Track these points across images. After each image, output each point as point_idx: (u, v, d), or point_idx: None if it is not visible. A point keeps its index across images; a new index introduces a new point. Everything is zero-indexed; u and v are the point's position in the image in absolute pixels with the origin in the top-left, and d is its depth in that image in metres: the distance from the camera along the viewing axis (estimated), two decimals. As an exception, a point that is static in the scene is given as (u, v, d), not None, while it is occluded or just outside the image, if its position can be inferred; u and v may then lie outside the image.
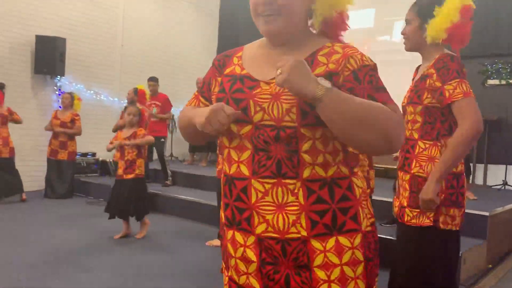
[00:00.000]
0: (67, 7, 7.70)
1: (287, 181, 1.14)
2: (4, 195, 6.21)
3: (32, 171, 7.23)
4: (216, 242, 4.39)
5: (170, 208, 5.92)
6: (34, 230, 4.80)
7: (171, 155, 8.83)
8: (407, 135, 2.07)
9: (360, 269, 1.16)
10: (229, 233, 1.23)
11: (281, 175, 1.14)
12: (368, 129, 1.05)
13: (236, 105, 1.17)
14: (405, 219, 2.05)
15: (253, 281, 1.19)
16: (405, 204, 2.06)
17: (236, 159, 1.19)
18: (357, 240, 1.16)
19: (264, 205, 1.15)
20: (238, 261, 1.21)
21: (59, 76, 7.48)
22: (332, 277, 1.14)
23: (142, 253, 4.14)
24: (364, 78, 1.13)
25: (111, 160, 7.38)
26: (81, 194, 7.05)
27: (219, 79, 1.27)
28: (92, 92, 8.09)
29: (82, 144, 7.23)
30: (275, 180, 1.14)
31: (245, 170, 1.17)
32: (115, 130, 6.20)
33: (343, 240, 1.15)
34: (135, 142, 4.48)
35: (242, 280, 1.21)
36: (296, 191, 1.14)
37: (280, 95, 1.13)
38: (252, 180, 1.16)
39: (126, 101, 6.61)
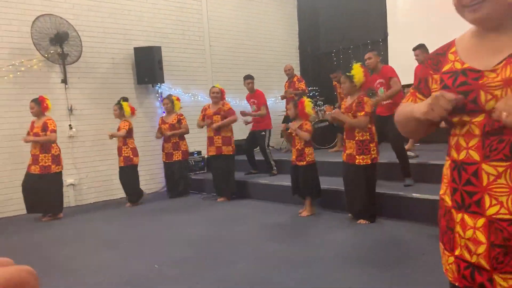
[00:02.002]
0: (160, 17, 8.14)
1: None
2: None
3: (148, 175, 7.83)
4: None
5: (281, 196, 6.10)
6: (166, 228, 5.17)
7: (268, 145, 9.02)
8: None
9: None
10: (458, 216, 1.29)
11: None
12: None
13: (464, 97, 1.21)
14: None
15: (483, 262, 1.23)
16: None
17: (465, 145, 1.25)
18: None
19: (497, 187, 1.18)
20: (467, 242, 1.26)
21: (159, 83, 7.96)
22: None
23: (274, 242, 4.29)
24: None
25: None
26: (194, 191, 7.48)
27: (436, 76, 1.33)
28: (190, 94, 8.52)
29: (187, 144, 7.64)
30: (508, 163, 1.16)
31: (475, 155, 1.22)
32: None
33: None
34: (298, 133, 5.05)
35: (474, 259, 1.26)
36: None
37: None
38: (483, 164, 1.20)
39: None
